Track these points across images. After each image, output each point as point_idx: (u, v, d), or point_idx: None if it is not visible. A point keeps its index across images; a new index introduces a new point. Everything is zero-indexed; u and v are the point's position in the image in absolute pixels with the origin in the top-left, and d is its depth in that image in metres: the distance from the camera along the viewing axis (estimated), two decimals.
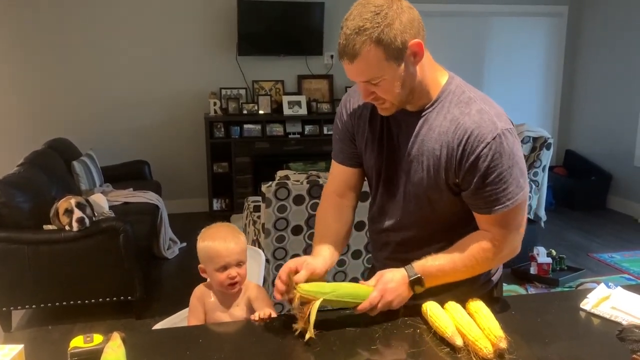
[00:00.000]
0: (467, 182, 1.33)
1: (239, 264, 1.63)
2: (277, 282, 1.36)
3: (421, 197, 1.41)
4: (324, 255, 1.45)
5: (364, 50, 1.22)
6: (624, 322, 1.35)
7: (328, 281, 1.39)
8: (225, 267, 1.61)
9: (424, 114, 1.37)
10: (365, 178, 1.59)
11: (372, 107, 1.45)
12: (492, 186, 1.31)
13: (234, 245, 1.63)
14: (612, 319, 1.38)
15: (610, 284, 1.54)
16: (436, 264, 1.37)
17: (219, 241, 1.62)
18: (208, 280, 1.72)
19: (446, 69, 1.42)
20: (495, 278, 1.58)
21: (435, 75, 1.38)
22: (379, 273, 1.38)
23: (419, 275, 1.35)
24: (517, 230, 1.38)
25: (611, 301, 1.44)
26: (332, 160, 1.61)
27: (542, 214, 4.97)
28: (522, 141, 4.98)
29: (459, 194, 1.38)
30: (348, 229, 1.58)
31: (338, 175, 1.60)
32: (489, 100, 1.37)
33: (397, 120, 1.42)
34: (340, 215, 1.57)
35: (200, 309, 1.68)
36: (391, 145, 1.44)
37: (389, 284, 1.34)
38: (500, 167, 1.29)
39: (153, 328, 1.81)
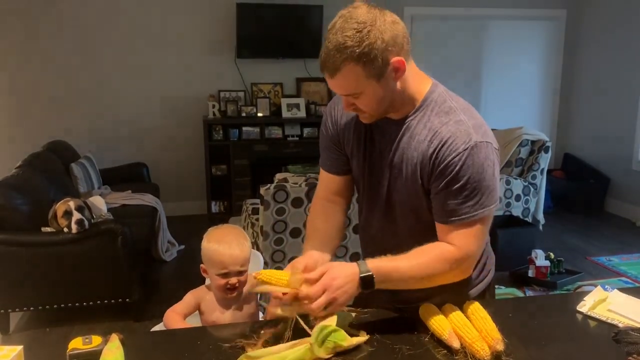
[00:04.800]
0: (433, 187, 1.34)
1: (241, 272, 1.63)
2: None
3: (404, 204, 1.43)
4: (310, 254, 1.46)
5: (343, 67, 1.23)
6: (620, 325, 1.36)
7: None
8: (226, 274, 1.61)
9: (406, 122, 1.38)
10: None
11: (355, 115, 1.46)
12: (453, 196, 1.31)
13: (238, 252, 1.61)
14: (609, 321, 1.39)
15: (606, 286, 1.55)
16: (391, 265, 1.31)
17: (224, 246, 1.61)
18: (208, 282, 1.72)
19: (430, 77, 1.42)
20: (486, 282, 1.58)
21: (419, 84, 1.37)
22: (326, 265, 1.31)
23: (371, 273, 1.28)
24: (472, 249, 1.36)
25: (608, 304, 1.45)
26: (320, 168, 1.62)
27: (541, 217, 4.98)
28: (520, 144, 4.99)
29: None
30: (337, 229, 1.58)
31: (325, 183, 1.61)
32: (470, 111, 1.36)
33: (380, 128, 1.43)
34: (328, 217, 1.57)
35: (193, 304, 1.67)
36: (373, 153, 1.45)
37: (336, 280, 1.25)
38: (464, 179, 1.29)
39: (151, 330, 1.82)
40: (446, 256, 1.34)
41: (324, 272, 1.27)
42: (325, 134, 1.56)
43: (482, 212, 1.31)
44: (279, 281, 1.29)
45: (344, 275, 1.27)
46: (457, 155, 1.29)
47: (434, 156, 1.32)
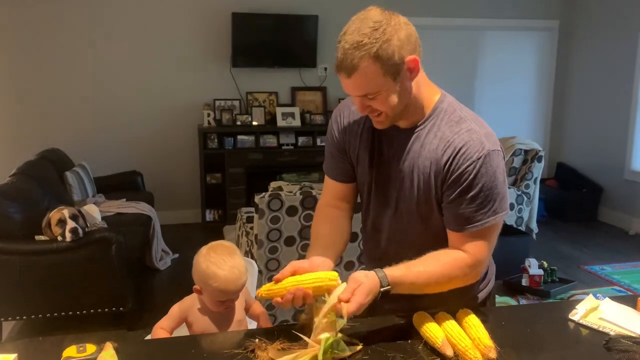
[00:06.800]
0: (446, 196, 1.36)
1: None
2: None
3: (413, 213, 1.43)
4: (312, 259, 1.43)
5: (361, 65, 1.24)
6: (611, 333, 1.37)
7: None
8: (225, 301, 1.60)
9: (415, 131, 1.39)
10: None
11: (363, 122, 1.47)
12: (467, 204, 1.33)
13: (241, 283, 1.57)
14: (600, 329, 1.40)
15: (598, 295, 1.56)
16: (410, 276, 1.33)
17: (227, 273, 1.54)
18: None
19: (439, 87, 1.44)
20: (487, 290, 1.59)
21: (429, 92, 1.40)
22: (356, 281, 1.27)
23: (390, 287, 1.29)
24: (485, 255, 1.38)
25: (599, 312, 1.46)
26: (325, 174, 1.62)
27: (534, 226, 5.00)
28: (513, 154, 5.02)
29: None
30: (341, 234, 1.55)
31: (331, 189, 1.61)
32: (480, 120, 1.39)
33: (389, 137, 1.44)
34: (332, 224, 1.56)
35: (179, 317, 1.64)
36: (381, 161, 1.46)
37: (368, 297, 1.25)
38: (478, 187, 1.32)
39: (145, 339, 1.81)
40: (459, 264, 1.36)
41: (355, 289, 1.25)
42: (331, 141, 1.56)
43: (494, 218, 1.35)
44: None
45: (374, 291, 1.27)
46: (472, 163, 1.31)
47: (447, 164, 1.34)
